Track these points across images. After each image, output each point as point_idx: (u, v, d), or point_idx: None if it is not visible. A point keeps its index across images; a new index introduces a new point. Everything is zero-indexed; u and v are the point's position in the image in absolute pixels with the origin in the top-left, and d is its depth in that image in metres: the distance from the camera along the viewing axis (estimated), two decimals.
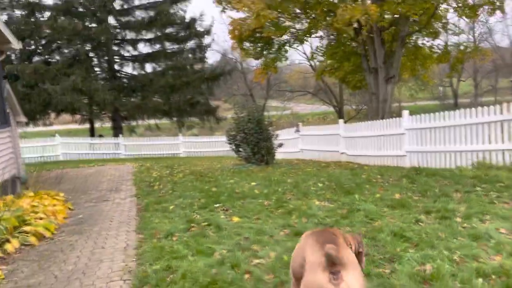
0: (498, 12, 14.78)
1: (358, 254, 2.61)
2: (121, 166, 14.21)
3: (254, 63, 31.34)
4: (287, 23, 16.19)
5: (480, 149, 8.12)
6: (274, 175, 8.96)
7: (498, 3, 14.05)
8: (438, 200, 5.59)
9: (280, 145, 12.40)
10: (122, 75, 25.90)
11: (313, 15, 15.32)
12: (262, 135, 11.36)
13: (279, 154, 13.61)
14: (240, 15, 16.21)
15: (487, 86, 45.75)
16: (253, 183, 7.92)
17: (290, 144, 15.66)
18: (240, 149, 11.61)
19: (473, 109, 8.47)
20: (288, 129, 17.03)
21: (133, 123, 26.57)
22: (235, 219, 5.41)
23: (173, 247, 4.35)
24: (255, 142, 11.28)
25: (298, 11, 15.74)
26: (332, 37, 18.09)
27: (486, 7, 14.33)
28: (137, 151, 21.35)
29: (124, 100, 24.22)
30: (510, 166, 7.35)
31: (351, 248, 2.53)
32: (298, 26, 16.69)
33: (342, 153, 12.41)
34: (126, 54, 25.77)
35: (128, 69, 26.07)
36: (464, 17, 15.68)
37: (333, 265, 1.92)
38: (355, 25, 14.05)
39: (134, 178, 10.61)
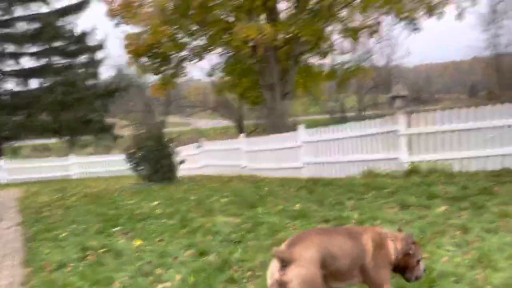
0: (376, 35, 16.52)
1: (406, 256, 2.69)
2: (3, 193, 12.80)
3: (152, 78, 30.60)
4: (185, 39, 16.15)
5: (367, 158, 8.87)
6: (176, 192, 8.77)
7: (374, 28, 15.72)
8: (334, 208, 5.96)
9: (182, 161, 12.20)
10: (2, 92, 23.41)
11: (211, 33, 15.51)
12: (163, 152, 11.08)
13: (182, 171, 13.38)
14: (136, 29, 15.76)
15: (369, 101, 50.62)
16: (154, 203, 7.65)
17: (193, 160, 15.48)
18: (140, 167, 11.17)
19: (360, 122, 9.29)
20: (190, 145, 16.84)
21: (17, 143, 24.08)
22: (136, 242, 5.14)
23: (67, 280, 3.99)
24: (155, 159, 10.95)
25: (195, 28, 15.80)
26: (230, 54, 18.45)
27: (366, 30, 15.93)
28: (23, 175, 19.27)
29: (5, 118, 21.87)
30: (392, 174, 8.14)
31: (387, 249, 2.66)
32: (196, 42, 16.73)
33: (244, 167, 12.62)
34: (7, 68, 23.42)
35: (10, 85, 23.73)
36: (347, 39, 17.19)
37: (284, 261, 2.34)
38: (252, 43, 14.53)
39: (20, 205, 9.61)
